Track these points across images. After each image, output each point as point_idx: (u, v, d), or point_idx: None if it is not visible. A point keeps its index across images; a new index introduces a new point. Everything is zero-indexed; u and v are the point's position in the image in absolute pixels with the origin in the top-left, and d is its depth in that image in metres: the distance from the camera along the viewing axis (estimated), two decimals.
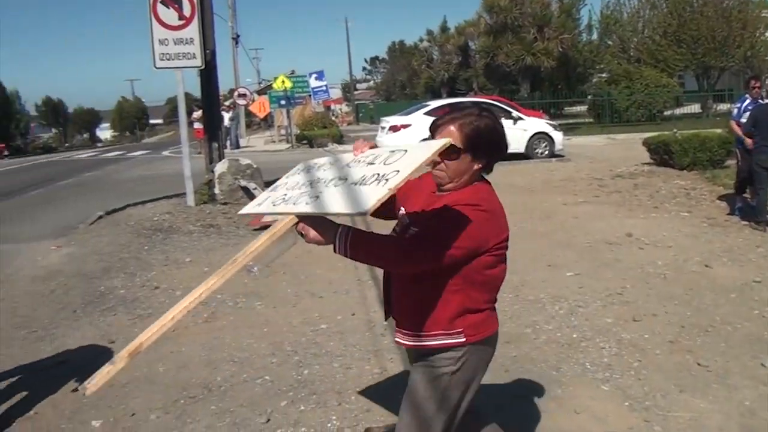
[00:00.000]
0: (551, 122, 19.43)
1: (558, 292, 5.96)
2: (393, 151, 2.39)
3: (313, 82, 32.30)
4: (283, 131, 34.43)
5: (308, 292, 6.35)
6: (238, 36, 39.39)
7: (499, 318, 4.74)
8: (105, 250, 8.74)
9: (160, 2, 11.42)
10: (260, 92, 44.15)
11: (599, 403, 3.93)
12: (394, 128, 17.90)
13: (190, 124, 19.43)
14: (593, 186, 12.49)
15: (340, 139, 30.00)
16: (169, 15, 11.47)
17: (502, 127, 2.52)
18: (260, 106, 33.84)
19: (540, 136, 18.26)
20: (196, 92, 14.84)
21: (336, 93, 57.36)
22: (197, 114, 23.71)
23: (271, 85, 38.91)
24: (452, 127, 2.43)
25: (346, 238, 2.31)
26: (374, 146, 2.62)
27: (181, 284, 6.80)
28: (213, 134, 13.17)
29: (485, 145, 2.44)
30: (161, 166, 23.53)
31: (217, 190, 11.92)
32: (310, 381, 4.40)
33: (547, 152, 18.12)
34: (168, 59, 11.54)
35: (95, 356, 5.08)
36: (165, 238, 9.29)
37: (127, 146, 53.24)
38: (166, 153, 31.75)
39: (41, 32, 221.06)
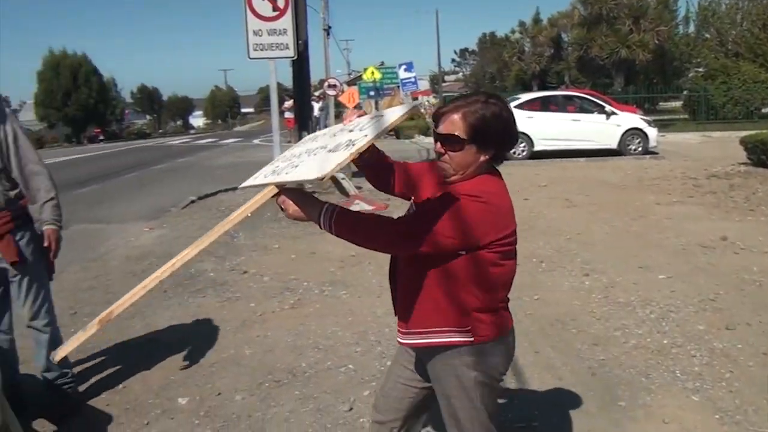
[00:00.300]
0: (645, 118, 18.85)
1: (649, 295, 5.77)
2: (372, 117, 2.33)
3: (402, 74, 32.29)
4: None
5: None
6: (329, 27, 39.64)
7: (588, 319, 4.63)
8: (196, 234, 8.95)
9: None
10: (350, 83, 44.47)
11: (689, 414, 3.77)
12: None
13: (282, 113, 19.75)
14: (687, 186, 12.05)
15: (427, 131, 29.92)
16: (263, 6, 11.63)
17: (511, 115, 2.35)
18: (349, 97, 33.97)
19: (633, 132, 17.72)
20: (288, 82, 15.06)
21: (424, 85, 57.11)
22: (288, 104, 24.11)
23: (360, 76, 39.18)
24: (456, 116, 2.29)
25: (331, 216, 2.23)
26: (363, 114, 2.52)
27: (269, 270, 6.92)
28: (303, 124, 13.33)
29: (492, 136, 2.30)
30: (252, 153, 24.04)
31: None
32: None
33: (640, 149, 17.59)
34: (261, 50, 11.72)
35: (184, 335, 5.24)
36: (253, 224, 9.46)
37: (219, 134, 54.67)
38: (256, 141, 32.45)
39: (138, 22, 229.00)
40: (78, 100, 51.39)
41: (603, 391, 4.03)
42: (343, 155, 2.05)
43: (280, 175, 2.39)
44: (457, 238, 2.19)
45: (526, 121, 17.17)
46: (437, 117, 2.36)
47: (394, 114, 2.22)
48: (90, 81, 53.15)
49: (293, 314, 5.61)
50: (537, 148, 17.23)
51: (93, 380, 4.53)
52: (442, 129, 2.32)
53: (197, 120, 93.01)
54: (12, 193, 3.79)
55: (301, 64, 12.74)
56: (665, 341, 4.79)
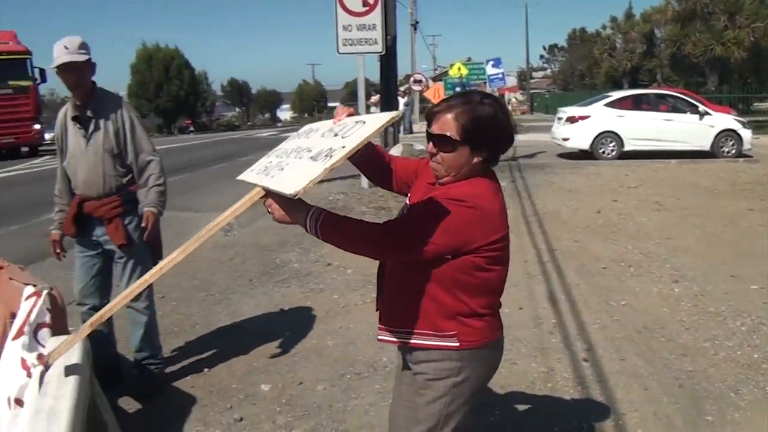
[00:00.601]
0: (739, 119, 18.04)
1: (740, 306, 5.56)
2: (357, 122, 2.25)
3: (490, 69, 32.01)
4: None
5: None
6: (417, 22, 39.82)
7: (677, 328, 4.48)
8: (280, 224, 9.13)
9: None
10: (435, 78, 44.46)
11: None
12: (572, 119, 17.33)
13: (368, 108, 19.87)
14: None
15: (513, 129, 29.61)
16: (353, 2, 11.75)
17: (506, 116, 2.30)
18: (435, 93, 33.96)
19: (727, 134, 16.99)
20: (374, 77, 15.15)
21: (511, 81, 56.59)
22: (375, 98, 24.25)
23: (446, 71, 39.08)
24: (449, 116, 2.24)
25: (317, 221, 2.19)
26: (353, 113, 2.44)
27: (352, 263, 6.99)
28: None
29: (485, 137, 2.23)
30: None
31: None
32: None
33: (734, 151, 16.87)
34: (351, 45, 11.85)
35: (268, 324, 5.37)
36: None
37: None
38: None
39: (230, 17, 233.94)
40: (169, 92, 53.06)
41: (690, 405, 3.92)
42: (318, 170, 2.02)
43: (267, 176, 2.39)
44: (442, 245, 2.15)
45: (616, 119, 16.78)
46: (430, 116, 2.32)
47: (375, 123, 2.14)
48: (182, 73, 54.76)
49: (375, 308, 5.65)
50: (627, 148, 16.79)
51: (179, 363, 4.71)
52: (435, 129, 2.27)
53: (284, 113, 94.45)
54: (124, 179, 4.03)
55: (388, 60, 12.84)
56: (756, 355, 4.61)
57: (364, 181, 12.06)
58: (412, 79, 32.94)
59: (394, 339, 2.40)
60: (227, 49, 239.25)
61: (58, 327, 2.73)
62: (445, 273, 2.23)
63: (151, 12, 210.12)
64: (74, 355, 2.38)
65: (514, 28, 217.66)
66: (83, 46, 3.88)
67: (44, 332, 2.61)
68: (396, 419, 2.50)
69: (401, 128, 25.85)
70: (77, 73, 3.88)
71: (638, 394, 4.04)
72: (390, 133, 13.15)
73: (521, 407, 3.94)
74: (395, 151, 12.22)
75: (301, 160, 2.27)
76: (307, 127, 2.86)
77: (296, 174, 2.15)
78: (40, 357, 2.34)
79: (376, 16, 11.73)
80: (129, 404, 4.11)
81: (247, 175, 2.63)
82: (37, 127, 28.10)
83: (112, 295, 4.14)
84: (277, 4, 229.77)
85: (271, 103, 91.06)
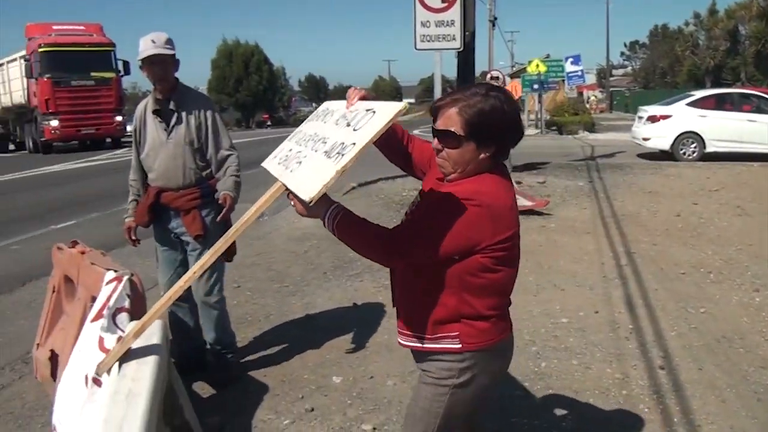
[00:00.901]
0: None
1: None
2: (367, 110, 2.18)
3: (569, 67, 31.48)
4: (532, 116, 34.00)
5: (550, 282, 6.22)
6: (495, 18, 39.33)
7: (757, 339, 4.28)
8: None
9: None
10: (513, 75, 43.88)
11: None
12: (653, 118, 16.85)
13: None
14: None
15: (591, 128, 29.05)
16: None
17: (514, 109, 2.18)
18: (512, 90, 33.62)
19: None
20: (450, 73, 15.04)
21: (590, 79, 55.40)
22: None
23: (524, 68, 38.51)
24: (453, 111, 2.14)
25: (334, 220, 2.17)
26: (366, 97, 2.36)
27: None
28: None
29: (492, 132, 2.13)
30: None
31: None
32: (547, 374, 4.30)
33: None
34: (428, 41, 11.76)
35: (341, 317, 5.39)
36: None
37: None
38: (416, 131, 32.62)
39: (308, 13, 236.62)
40: (249, 87, 54.13)
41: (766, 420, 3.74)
42: (331, 173, 2.01)
43: (287, 170, 2.39)
44: (450, 248, 2.10)
45: (698, 119, 16.24)
46: (435, 111, 2.22)
47: (384, 115, 2.06)
48: (261, 69, 55.78)
49: None
50: (709, 149, 16.21)
51: (253, 352, 4.79)
52: (439, 124, 2.19)
53: None
54: (203, 173, 4.12)
55: (466, 56, 12.69)
56: None
57: None
58: (488, 76, 32.38)
59: (407, 343, 2.35)
60: (305, 45, 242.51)
61: (138, 312, 2.79)
62: (452, 274, 2.17)
63: (231, 8, 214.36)
64: (153, 339, 2.43)
65: (594, 24, 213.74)
66: (169, 42, 3.98)
67: (123, 316, 2.67)
68: (406, 417, 2.47)
69: None
70: (163, 66, 3.97)
71: (715, 406, 3.88)
72: None
73: (594, 414, 3.84)
74: None
75: (316, 155, 2.26)
76: (324, 105, 2.82)
77: (311, 176, 2.15)
78: (119, 340, 2.40)
79: (454, 12, 11.62)
80: (203, 389, 4.20)
81: (269, 164, 2.64)
82: (119, 118, 28.56)
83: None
84: (356, 1, 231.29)
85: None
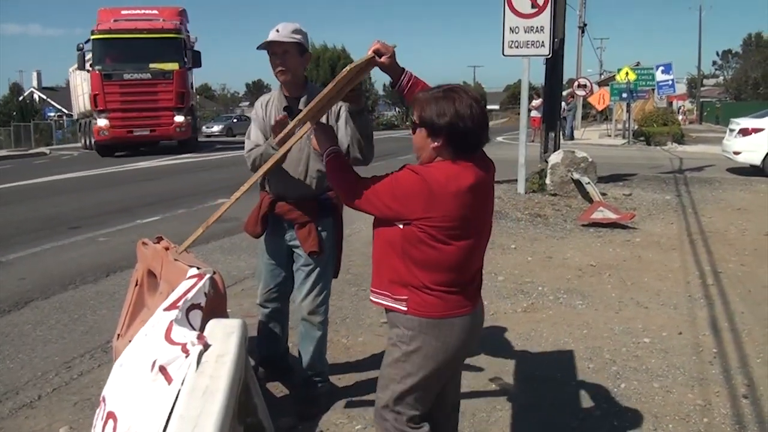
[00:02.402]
0: None
1: None
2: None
3: (659, 76, 30.60)
4: (620, 126, 33.20)
5: (633, 299, 6.02)
6: (585, 25, 38.69)
7: None
8: None
9: None
10: (600, 83, 43.04)
11: None
12: (744, 131, 16.07)
13: (529, 111, 19.58)
14: None
15: (680, 139, 28.13)
16: (522, 3, 11.53)
17: (468, 108, 2.44)
18: (600, 98, 32.93)
19: None
20: (537, 80, 14.82)
21: (680, 88, 53.72)
22: (537, 102, 23.81)
23: (613, 76, 37.72)
24: (417, 102, 2.54)
25: (327, 156, 2.72)
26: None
27: (504, 270, 6.87)
28: (551, 124, 13.09)
29: (439, 125, 2.44)
30: (494, 150, 23.70)
31: (548, 181, 11.85)
32: (627, 396, 4.14)
33: None
34: (517, 47, 11.63)
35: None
36: (493, 222, 9.41)
37: None
38: (499, 138, 32.41)
39: (395, 18, 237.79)
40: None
41: None
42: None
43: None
44: (388, 206, 2.47)
45: None
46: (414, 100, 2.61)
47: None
48: None
49: (525, 318, 5.52)
50: None
51: (328, 356, 4.73)
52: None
53: None
54: (324, 183, 3.75)
55: (555, 63, 12.52)
56: None
57: (520, 186, 11.86)
58: (576, 83, 31.97)
59: (373, 299, 2.67)
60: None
61: (218, 311, 2.81)
62: (395, 240, 2.50)
63: (319, 12, 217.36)
64: (232, 338, 2.44)
65: (686, 32, 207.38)
66: (298, 32, 3.70)
67: (196, 313, 2.68)
68: (378, 380, 2.76)
69: (561, 134, 25.27)
70: (282, 57, 3.70)
71: None
72: (551, 139, 12.81)
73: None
74: (556, 157, 11.90)
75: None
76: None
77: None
78: (199, 337, 2.42)
79: (544, 18, 11.46)
80: (277, 389, 4.22)
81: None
82: (180, 119, 24.46)
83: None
84: (441, 5, 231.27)
85: None
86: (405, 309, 2.52)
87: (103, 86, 23.65)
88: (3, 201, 13.17)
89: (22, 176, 18.04)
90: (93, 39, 23.71)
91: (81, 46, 24.46)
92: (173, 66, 24.06)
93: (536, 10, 11.47)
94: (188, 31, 26.90)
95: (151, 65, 23.95)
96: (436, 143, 2.47)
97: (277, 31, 3.67)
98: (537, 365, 4.57)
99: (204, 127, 45.06)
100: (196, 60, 25.19)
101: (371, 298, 2.68)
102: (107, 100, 23.77)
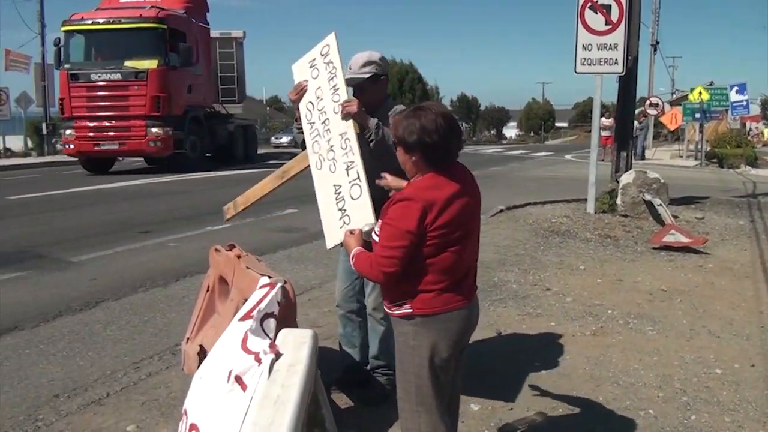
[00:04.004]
0: None
1: None
2: (356, 181, 3.49)
3: (733, 96, 29.71)
4: (692, 146, 32.39)
5: (705, 328, 5.81)
6: (657, 43, 38.05)
7: None
8: (502, 243, 9.07)
9: (589, 7, 11.37)
10: (673, 103, 42.13)
11: None
12: None
13: (599, 130, 19.28)
14: None
15: (754, 162, 27.25)
16: (596, 20, 11.37)
17: (435, 124, 2.67)
18: (672, 118, 32.18)
19: None
20: (607, 98, 14.59)
21: (755, 109, 52.03)
22: (608, 122, 23.45)
23: (686, 95, 36.87)
24: (393, 123, 2.93)
25: (353, 257, 2.90)
26: (352, 111, 3.62)
27: (573, 291, 6.75)
28: (623, 143, 12.86)
29: (410, 141, 2.70)
30: (563, 169, 23.78)
31: (619, 201, 11.62)
32: (697, 429, 3.98)
33: None
34: (589, 64, 11.47)
35: (481, 342, 5.25)
36: (561, 242, 9.35)
37: (531, 146, 54.97)
38: (568, 156, 32.04)
39: (464, 33, 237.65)
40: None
41: None
42: (338, 237, 3.35)
43: (314, 156, 3.79)
44: (406, 241, 2.65)
45: None
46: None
47: (366, 204, 3.40)
48: (414, 88, 56.57)
49: (594, 342, 5.39)
50: None
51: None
52: None
53: (510, 131, 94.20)
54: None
55: (628, 81, 12.32)
56: None
57: (590, 206, 11.64)
58: (648, 102, 31.33)
59: (386, 311, 2.93)
60: (460, 65, 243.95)
61: (288, 319, 2.83)
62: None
63: (388, 28, 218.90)
64: (303, 348, 2.45)
65: (761, 51, 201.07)
66: (367, 64, 3.87)
67: (270, 322, 2.71)
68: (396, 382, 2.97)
69: (633, 154, 24.80)
70: (359, 91, 3.83)
71: None
72: (623, 158, 12.57)
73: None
74: (627, 177, 11.66)
75: (330, 176, 3.63)
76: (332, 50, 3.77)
77: (329, 223, 3.57)
78: (271, 346, 2.44)
79: (618, 36, 11.27)
80: (342, 401, 4.22)
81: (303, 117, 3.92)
82: (156, 131, 19.54)
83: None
84: (512, 22, 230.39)
85: (498, 120, 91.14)
86: (410, 311, 2.77)
87: (69, 89, 19.67)
88: (75, 204, 13.60)
89: (93, 181, 18.50)
90: (63, 31, 19.97)
91: (58, 40, 20.39)
92: (150, 64, 19.42)
93: (610, 27, 11.30)
94: (207, 23, 23.22)
95: (127, 63, 19.53)
96: (414, 158, 2.74)
97: (350, 68, 3.85)
98: (605, 391, 4.46)
99: (273, 138, 45.76)
100: (187, 57, 20.26)
101: (386, 311, 2.95)
102: (73, 105, 19.73)
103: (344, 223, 3.40)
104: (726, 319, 6.05)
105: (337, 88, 3.70)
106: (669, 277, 7.58)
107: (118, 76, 19.44)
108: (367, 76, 3.86)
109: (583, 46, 11.43)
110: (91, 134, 19.68)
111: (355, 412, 4.09)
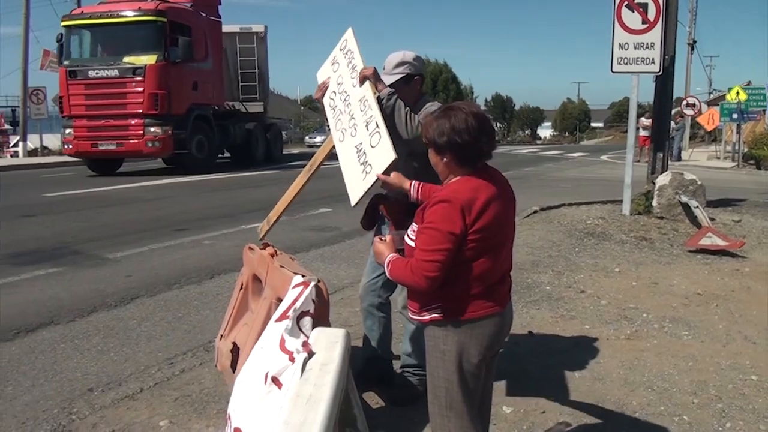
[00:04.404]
0: None
1: None
2: (377, 128, 3.48)
3: None
4: (729, 147, 31.85)
5: (741, 333, 5.69)
6: (694, 42, 37.55)
7: None
8: (536, 244, 9.02)
9: (626, 6, 11.23)
10: (710, 103, 41.50)
11: None
12: None
13: (637, 130, 19.05)
14: None
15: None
16: (632, 19, 11.23)
17: (466, 123, 2.63)
18: (709, 118, 31.66)
19: None
20: (643, 98, 14.39)
21: None
22: (648, 122, 23.19)
23: (723, 95, 36.28)
24: (423, 124, 2.88)
25: (389, 264, 2.80)
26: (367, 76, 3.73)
27: (607, 294, 6.67)
28: (660, 144, 12.69)
29: (441, 142, 2.66)
30: (598, 169, 23.55)
31: (654, 203, 11.46)
32: None
33: None
34: (625, 64, 11.34)
35: (513, 343, 5.23)
36: (596, 243, 9.26)
37: (566, 146, 54.54)
38: (604, 157, 31.72)
39: (499, 33, 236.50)
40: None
41: None
42: (365, 185, 3.42)
43: (339, 141, 3.81)
44: (450, 243, 2.57)
45: None
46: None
47: (387, 146, 3.37)
48: (448, 87, 56.51)
49: (628, 345, 5.32)
50: None
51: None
52: None
53: (545, 131, 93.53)
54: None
55: (665, 81, 12.16)
56: None
57: (626, 207, 11.50)
58: (684, 102, 30.86)
59: (412, 317, 2.89)
60: (495, 65, 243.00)
61: (321, 319, 2.84)
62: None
63: (424, 27, 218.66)
64: (336, 347, 2.45)
65: None
66: (400, 65, 3.91)
67: (306, 321, 2.72)
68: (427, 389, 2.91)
69: (670, 155, 24.46)
70: (397, 93, 3.85)
71: None
72: (659, 159, 12.41)
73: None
74: (664, 179, 11.51)
75: (352, 140, 3.63)
76: (350, 43, 4.00)
77: (351, 174, 3.56)
78: (304, 344, 2.45)
79: (655, 35, 11.13)
80: (372, 400, 4.22)
81: (327, 105, 4.04)
82: (155, 130, 18.61)
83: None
84: (547, 21, 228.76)
85: (532, 120, 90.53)
86: (442, 316, 2.71)
87: (67, 86, 19.00)
88: (111, 202, 13.78)
89: (129, 180, 18.73)
90: (63, 26, 19.37)
91: (60, 36, 19.60)
92: (149, 60, 18.47)
93: (647, 26, 11.16)
94: (218, 16, 22.12)
95: (126, 59, 18.69)
96: (445, 159, 2.70)
97: (384, 68, 3.90)
98: (639, 396, 4.40)
99: (307, 137, 46.13)
100: (187, 52, 19.02)
101: (410, 315, 2.92)
102: (71, 104, 19.06)
103: (366, 172, 3.42)
104: (762, 325, 5.93)
105: (355, 67, 3.84)
106: (705, 280, 7.46)
107: (116, 72, 18.66)
108: (399, 76, 3.89)
109: (620, 45, 11.31)
110: (89, 134, 19.00)
111: (385, 412, 4.09)
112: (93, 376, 4.65)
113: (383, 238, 2.95)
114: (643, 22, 11.17)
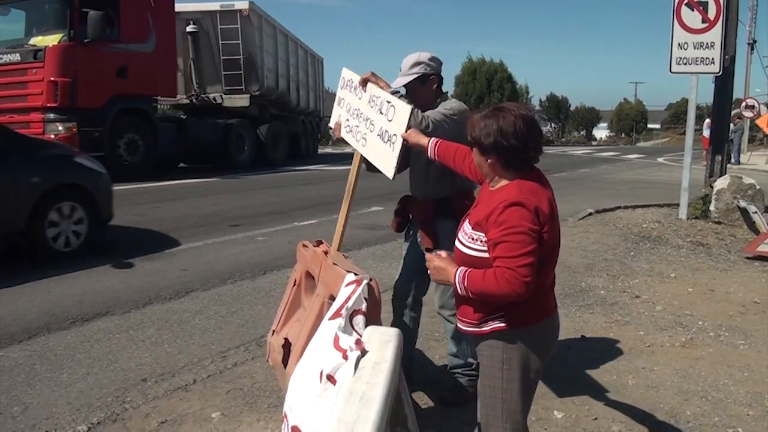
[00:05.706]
0: None
1: None
2: (388, 102, 3.53)
3: None
4: None
5: None
6: (754, 41, 36.56)
7: None
8: (590, 247, 8.90)
9: (685, 4, 11.00)
10: None
11: None
12: None
13: (697, 131, 18.62)
14: None
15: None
16: (692, 18, 11.00)
17: (514, 126, 2.56)
18: None
19: None
20: (702, 100, 14.07)
21: None
22: (704, 123, 22.70)
23: None
24: (469, 121, 2.74)
25: (463, 279, 2.59)
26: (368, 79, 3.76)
27: (662, 299, 6.54)
28: (719, 146, 12.41)
29: (486, 143, 2.61)
30: (655, 172, 23.12)
31: (712, 207, 11.19)
32: None
33: None
34: (685, 64, 11.11)
35: (566, 347, 5.18)
36: (652, 248, 9.09)
37: (622, 148, 53.65)
38: (661, 159, 31.12)
39: (556, 32, 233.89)
40: (490, 104, 54.52)
41: None
42: (394, 157, 3.42)
43: (358, 143, 3.82)
44: (535, 245, 2.47)
45: None
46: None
47: (403, 110, 3.40)
48: (503, 87, 56.07)
49: (683, 353, 5.22)
50: None
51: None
52: None
53: (600, 132, 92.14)
54: (442, 186, 4.02)
55: (724, 81, 11.88)
56: None
57: (682, 212, 11.27)
58: (743, 103, 30.00)
59: (464, 328, 2.78)
60: (550, 64, 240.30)
61: (373, 317, 2.85)
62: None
63: (478, 26, 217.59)
64: (389, 347, 2.46)
65: None
66: (416, 65, 3.91)
67: (359, 319, 2.74)
68: (479, 399, 2.82)
69: (729, 159, 23.88)
70: (411, 94, 3.87)
71: None
72: (717, 162, 12.13)
73: None
74: (722, 182, 11.23)
75: (373, 135, 3.63)
76: (346, 74, 4.09)
77: (382, 157, 3.55)
78: (357, 342, 2.46)
79: (715, 34, 10.87)
80: (422, 400, 4.22)
81: (344, 134, 4.03)
82: (56, 127, 14.82)
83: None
84: (605, 20, 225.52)
85: (588, 121, 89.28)
86: (504, 325, 2.63)
87: None
88: (166, 197, 14.00)
89: (185, 175, 19.07)
90: None
91: None
92: (52, 40, 14.94)
93: (707, 25, 10.91)
94: None
95: (32, 41, 15.30)
96: (489, 160, 2.65)
97: (400, 70, 3.94)
98: (693, 405, 4.30)
99: None
100: (98, 28, 15.07)
101: (463, 328, 2.79)
102: None
103: (392, 142, 3.45)
104: None
105: (357, 88, 3.91)
106: (763, 288, 7.26)
107: (18, 57, 15.12)
108: (414, 76, 3.91)
109: (679, 44, 11.08)
110: None
111: (435, 413, 4.09)
112: (147, 367, 4.75)
113: (440, 253, 2.80)
114: (703, 21, 10.93)
